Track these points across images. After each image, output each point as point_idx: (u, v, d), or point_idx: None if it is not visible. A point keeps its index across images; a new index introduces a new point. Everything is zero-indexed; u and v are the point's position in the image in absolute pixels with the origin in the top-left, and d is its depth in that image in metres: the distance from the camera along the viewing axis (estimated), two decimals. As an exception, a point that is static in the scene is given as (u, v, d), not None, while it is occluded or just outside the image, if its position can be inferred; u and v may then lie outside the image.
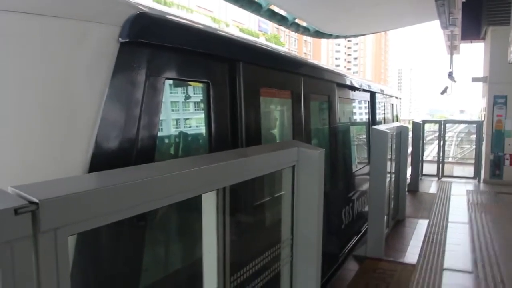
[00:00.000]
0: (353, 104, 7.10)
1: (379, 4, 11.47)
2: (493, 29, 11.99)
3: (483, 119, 12.64)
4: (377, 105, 8.15)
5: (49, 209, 1.11)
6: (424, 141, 13.94)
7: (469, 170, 13.02)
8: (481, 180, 12.04)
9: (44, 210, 1.09)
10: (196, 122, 2.97)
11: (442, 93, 14.61)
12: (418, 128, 11.11)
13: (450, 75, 13.99)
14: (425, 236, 6.81)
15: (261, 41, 6.76)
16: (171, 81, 2.54)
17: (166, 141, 2.71)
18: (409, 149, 9.70)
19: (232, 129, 2.99)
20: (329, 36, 15.25)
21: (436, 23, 11.15)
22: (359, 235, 6.96)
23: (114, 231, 1.91)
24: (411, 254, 6.06)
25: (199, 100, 2.86)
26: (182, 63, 2.55)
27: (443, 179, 12.49)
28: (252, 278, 2.41)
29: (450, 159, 17.46)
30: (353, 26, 15.20)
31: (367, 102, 7.76)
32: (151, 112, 2.25)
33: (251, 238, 2.89)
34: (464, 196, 10.01)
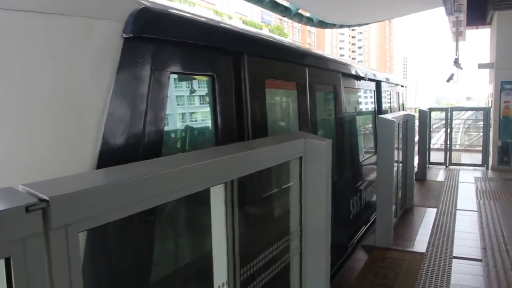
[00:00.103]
0: (359, 94, 7.06)
1: (382, -8, 11.37)
2: (499, 14, 11.79)
3: (490, 105, 12.50)
4: (383, 94, 8.10)
5: (60, 206, 1.12)
6: (431, 129, 13.85)
7: (477, 157, 12.89)
8: (489, 167, 11.94)
9: (54, 207, 1.10)
10: (202, 116, 2.96)
11: (448, 80, 14.51)
12: (424, 116, 11.05)
13: (456, 62, 13.88)
14: (434, 224, 6.79)
15: (265, 32, 6.72)
16: (176, 75, 2.54)
17: (173, 135, 2.71)
18: (416, 138, 9.64)
19: (238, 121, 2.99)
20: (332, 25, 15.11)
21: (441, 9, 11.03)
22: (368, 225, 6.96)
23: (124, 227, 1.92)
24: (420, 243, 6.04)
25: (205, 93, 2.86)
26: (187, 57, 2.55)
27: (451, 166, 12.41)
28: (261, 270, 2.43)
29: (457, 147, 17.34)
30: (357, 15, 15.06)
31: (373, 91, 7.72)
32: (157, 107, 2.25)
33: (260, 230, 2.90)
34: (472, 184, 9.94)
